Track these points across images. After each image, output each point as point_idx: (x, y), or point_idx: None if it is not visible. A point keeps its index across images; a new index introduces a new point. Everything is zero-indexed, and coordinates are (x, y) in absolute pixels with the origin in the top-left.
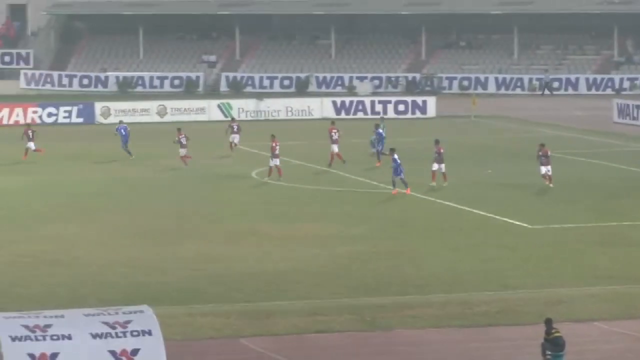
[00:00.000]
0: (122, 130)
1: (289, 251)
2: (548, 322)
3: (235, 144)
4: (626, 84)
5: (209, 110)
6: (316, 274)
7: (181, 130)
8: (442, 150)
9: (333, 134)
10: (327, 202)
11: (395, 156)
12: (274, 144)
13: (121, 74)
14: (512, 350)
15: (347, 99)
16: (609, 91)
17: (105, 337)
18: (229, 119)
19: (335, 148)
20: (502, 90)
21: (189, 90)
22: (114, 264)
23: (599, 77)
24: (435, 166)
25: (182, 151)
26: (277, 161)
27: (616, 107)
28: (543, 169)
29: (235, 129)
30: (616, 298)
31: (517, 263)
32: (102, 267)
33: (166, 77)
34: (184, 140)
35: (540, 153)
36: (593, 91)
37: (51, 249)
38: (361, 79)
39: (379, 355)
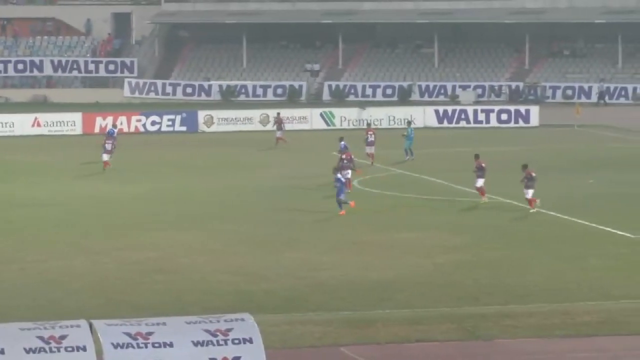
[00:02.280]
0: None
1: (391, 260)
2: None
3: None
4: None
5: (312, 119)
6: (418, 283)
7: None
8: (483, 165)
9: (369, 135)
10: (428, 211)
11: (339, 176)
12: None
13: (224, 83)
14: None
15: (450, 108)
16: None
17: (207, 345)
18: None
19: (371, 149)
20: (606, 100)
21: (292, 99)
22: (218, 272)
23: None
24: (479, 182)
25: (105, 157)
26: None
27: None
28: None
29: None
30: None
31: (620, 273)
32: (207, 274)
33: (269, 86)
34: (108, 147)
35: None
36: None
37: (157, 256)
38: (464, 87)
39: None
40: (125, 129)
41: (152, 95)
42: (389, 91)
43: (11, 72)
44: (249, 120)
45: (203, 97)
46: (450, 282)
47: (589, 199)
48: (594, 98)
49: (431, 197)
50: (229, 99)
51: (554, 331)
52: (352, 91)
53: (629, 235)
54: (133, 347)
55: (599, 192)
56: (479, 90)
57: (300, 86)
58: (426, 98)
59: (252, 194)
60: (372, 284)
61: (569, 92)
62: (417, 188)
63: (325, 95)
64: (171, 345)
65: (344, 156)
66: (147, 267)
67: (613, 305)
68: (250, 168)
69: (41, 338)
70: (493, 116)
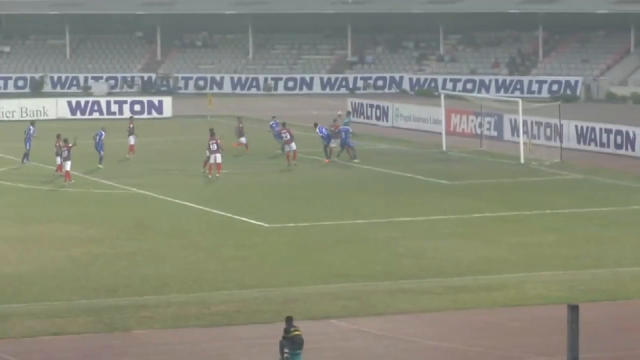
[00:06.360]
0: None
1: (26, 253)
2: (288, 320)
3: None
4: (360, 83)
5: None
6: (53, 276)
7: None
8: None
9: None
10: (66, 203)
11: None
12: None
13: None
14: (250, 349)
15: (83, 99)
16: (343, 90)
17: None
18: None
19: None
20: (238, 90)
21: None
22: None
23: (333, 76)
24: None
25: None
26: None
27: (350, 106)
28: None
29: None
30: (352, 296)
31: (254, 262)
32: None
33: None
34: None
35: None
36: (328, 90)
37: None
38: (97, 79)
39: (117, 357)
40: None
41: None
42: (20, 83)
43: None
44: None
45: None
46: (86, 274)
47: (225, 190)
48: (227, 89)
49: (68, 189)
50: None
51: (190, 321)
52: None
53: (263, 224)
54: None
55: (234, 183)
56: (112, 82)
57: None
58: (59, 89)
59: None
60: (7, 277)
61: (201, 82)
62: (54, 180)
63: None
64: None
65: None
66: None
67: (248, 294)
68: None
69: None
70: (126, 107)
